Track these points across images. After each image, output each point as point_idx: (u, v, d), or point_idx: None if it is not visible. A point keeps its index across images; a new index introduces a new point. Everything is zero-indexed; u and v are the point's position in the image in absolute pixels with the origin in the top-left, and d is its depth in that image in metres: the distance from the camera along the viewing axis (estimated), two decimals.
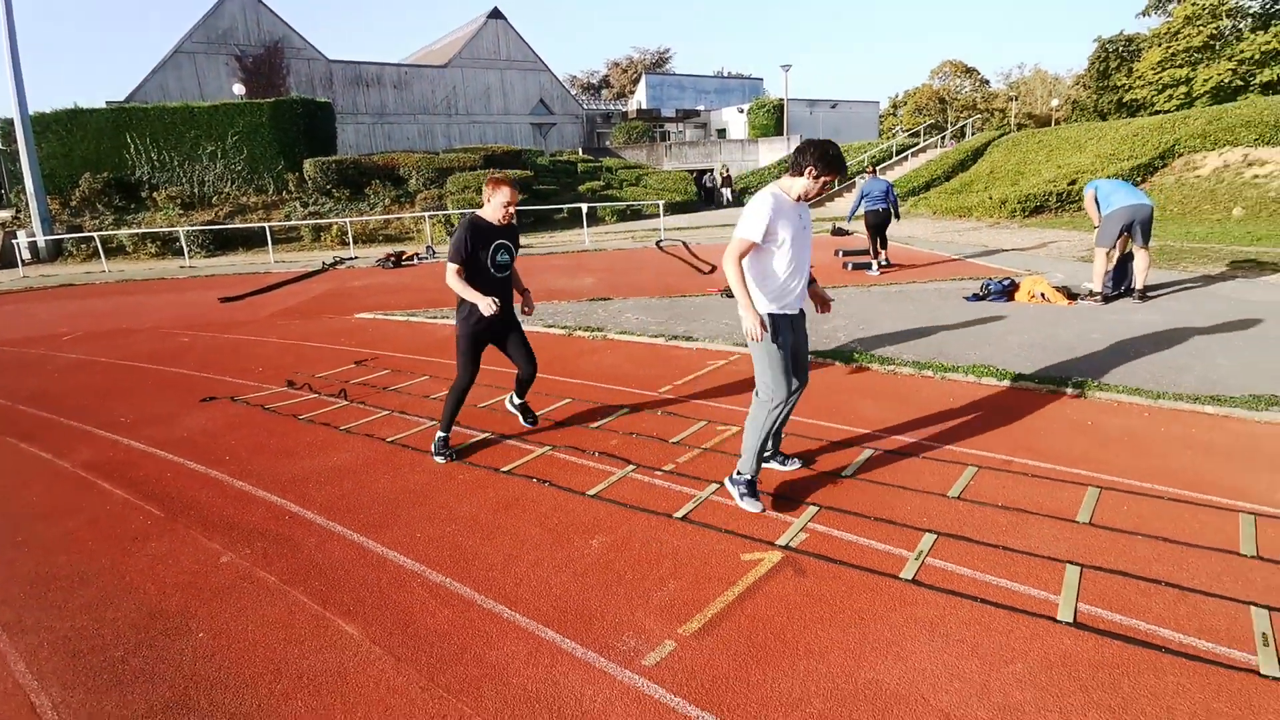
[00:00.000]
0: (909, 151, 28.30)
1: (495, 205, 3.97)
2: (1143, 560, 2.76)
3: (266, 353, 7.49)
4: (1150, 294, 7.48)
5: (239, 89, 27.66)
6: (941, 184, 23.64)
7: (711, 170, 35.34)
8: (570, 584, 2.84)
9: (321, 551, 3.22)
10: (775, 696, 2.17)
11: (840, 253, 12.71)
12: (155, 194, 23.34)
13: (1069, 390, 4.67)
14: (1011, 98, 63.58)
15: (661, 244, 17.08)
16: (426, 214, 20.56)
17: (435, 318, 8.80)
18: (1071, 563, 2.77)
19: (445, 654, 2.45)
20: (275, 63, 33.07)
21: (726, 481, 3.53)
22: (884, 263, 10.74)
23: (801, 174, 3.17)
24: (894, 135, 36.22)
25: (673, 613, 2.61)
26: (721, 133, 45.05)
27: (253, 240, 21.11)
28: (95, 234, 19.80)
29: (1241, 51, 34.85)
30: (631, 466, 3.95)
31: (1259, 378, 4.64)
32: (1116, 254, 7.44)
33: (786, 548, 3.02)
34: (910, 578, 2.75)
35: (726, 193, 31.63)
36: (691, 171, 33.74)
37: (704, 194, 31.51)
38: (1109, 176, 16.80)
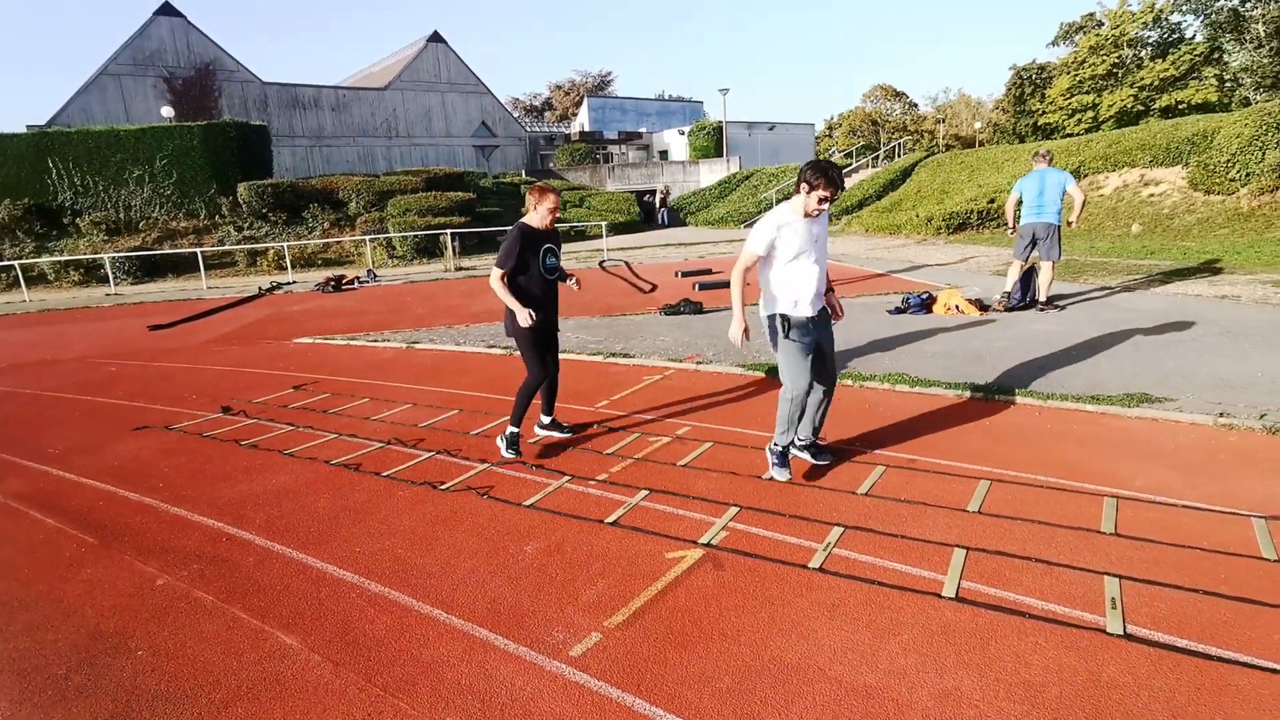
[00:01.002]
0: (842, 171, 29.43)
1: (542, 211, 4.28)
2: (1019, 541, 3.09)
3: (200, 380, 7.40)
4: (1056, 304, 8.10)
5: (167, 111, 26.95)
6: (873, 203, 24.68)
7: (654, 191, 36.01)
8: (504, 587, 3.01)
9: (260, 569, 3.30)
10: (690, 676, 2.38)
11: None
12: (79, 220, 22.47)
13: (972, 394, 5.08)
14: (939, 120, 66.68)
15: (605, 264, 17.35)
16: (367, 237, 20.39)
17: (376, 341, 8.82)
18: (959, 546, 3.08)
19: (382, 657, 2.58)
20: (206, 85, 32.32)
21: (768, 449, 3.92)
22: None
23: (799, 190, 3.49)
24: (830, 156, 37.63)
25: (600, 608, 2.81)
26: (664, 154, 45.95)
27: (183, 266, 20.54)
28: (15, 262, 18.95)
29: (1142, 79, 37.57)
30: (567, 477, 4.13)
31: (1135, 379, 5.14)
32: (1026, 265, 8.03)
33: (708, 545, 3.25)
34: (817, 567, 3.01)
35: (663, 213, 32.28)
36: (635, 192, 34.30)
37: (647, 214, 32.05)
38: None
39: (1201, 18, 36.21)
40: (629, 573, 3.06)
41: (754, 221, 10.28)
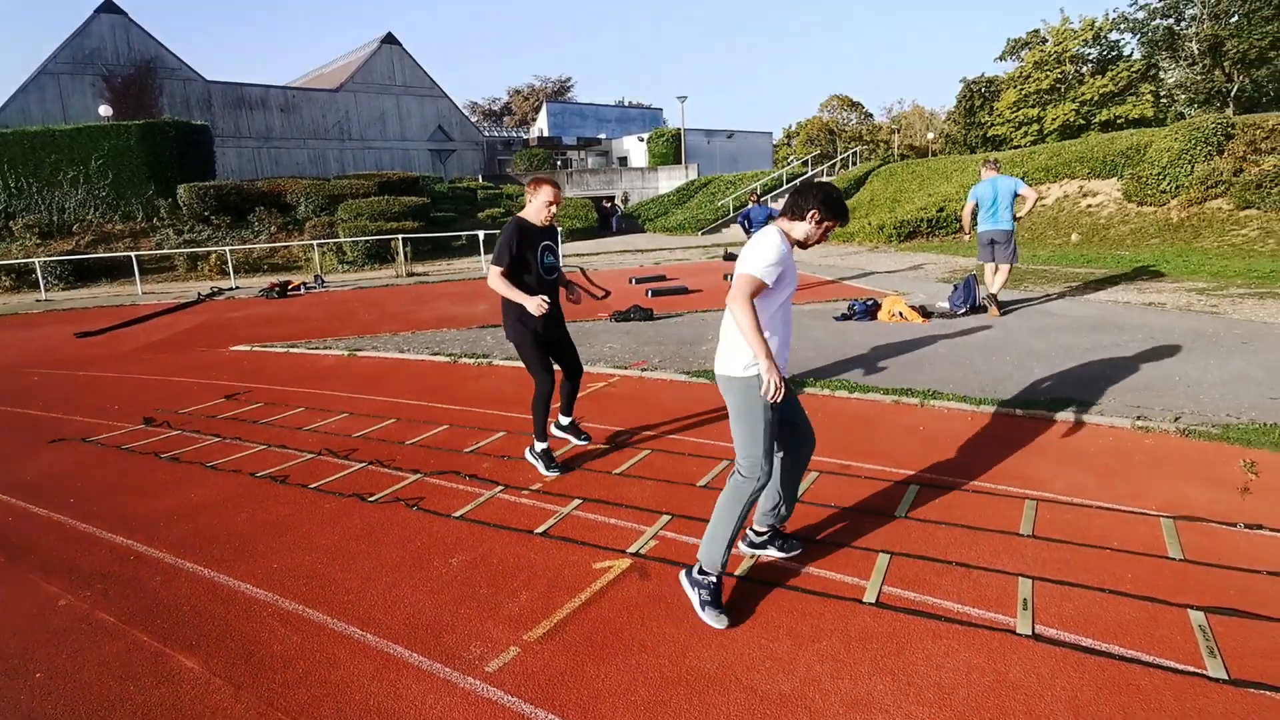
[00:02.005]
0: (798, 180, 29.86)
1: (538, 205, 3.93)
2: (942, 545, 3.13)
3: (125, 390, 7.09)
4: (1000, 305, 8.37)
5: (105, 111, 25.95)
6: None
7: (613, 197, 36.06)
8: (425, 601, 2.92)
9: (167, 589, 3.14)
10: (605, 689, 2.33)
11: (727, 276, 13.31)
12: (11, 223, 21.46)
13: (910, 400, 5.16)
14: (894, 130, 68.32)
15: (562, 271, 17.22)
16: (315, 242, 19.91)
17: (317, 348, 8.58)
18: (883, 551, 3.10)
19: (288, 679, 2.47)
20: (147, 83, 31.25)
21: (683, 578, 2.83)
22: None
23: (803, 218, 2.78)
24: (789, 164, 38.15)
25: (521, 621, 2.74)
26: (623, 161, 46.05)
27: (119, 271, 19.75)
28: None
29: (1082, 94, 39.06)
30: (500, 487, 4.06)
31: (1063, 384, 5.29)
32: (993, 268, 8.37)
33: (636, 555, 3.22)
34: (743, 574, 3.00)
35: (614, 220, 32.39)
36: (593, 199, 34.28)
37: (605, 220, 32.06)
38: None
39: (1138, 36, 37.91)
40: (554, 584, 3.01)
41: (715, 228, 10.30)
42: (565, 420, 4.48)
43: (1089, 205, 16.59)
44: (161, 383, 7.36)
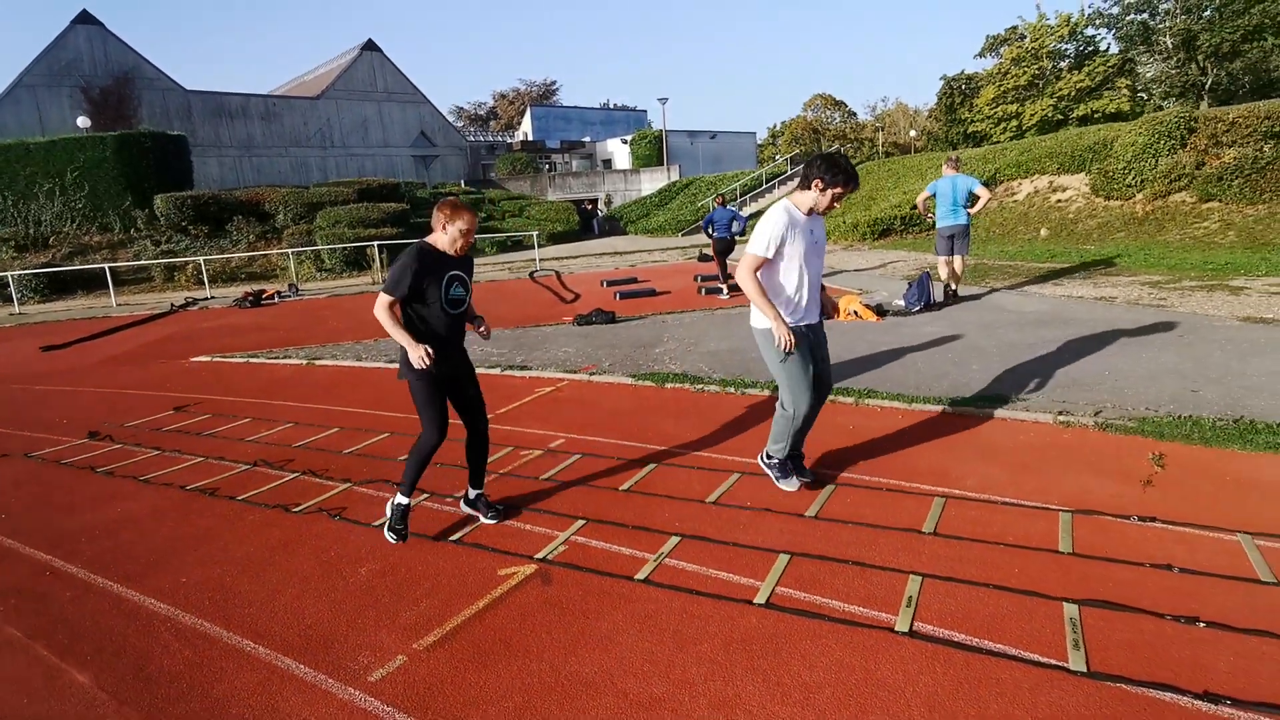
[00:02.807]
0: (778, 179, 29.99)
1: (453, 233, 3.37)
2: (843, 545, 3.16)
3: (78, 403, 7.07)
4: (958, 300, 8.77)
5: (83, 121, 25.80)
6: None
7: (595, 200, 36.12)
8: (325, 612, 2.94)
9: (75, 605, 3.15)
10: (479, 696, 2.36)
11: (698, 278, 13.36)
12: None
13: (845, 399, 5.20)
14: (878, 128, 68.56)
15: (535, 274, 17.28)
16: (291, 250, 19.87)
17: (277, 358, 8.58)
18: (784, 552, 3.13)
19: (172, 693, 2.49)
20: (125, 94, 31.08)
21: (760, 460, 3.73)
22: (734, 286, 11.39)
23: (809, 187, 3.19)
24: (774, 163, 38.15)
25: (414, 630, 2.76)
26: (607, 163, 46.09)
27: (95, 283, 19.64)
28: None
29: (1060, 89, 39.32)
30: (425, 495, 4.07)
31: (997, 379, 5.34)
32: (952, 261, 8.88)
33: (543, 560, 3.24)
34: (643, 578, 3.02)
35: (594, 223, 32.46)
36: (576, 201, 34.32)
37: (587, 223, 32.12)
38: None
39: (1113, 31, 38.18)
40: (456, 592, 3.03)
41: (696, 229, 10.63)
42: (473, 493, 3.75)
43: (1058, 200, 16.72)
44: (116, 395, 7.34)
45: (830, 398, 5.19)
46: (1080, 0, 40.21)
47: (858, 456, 4.18)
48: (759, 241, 3.26)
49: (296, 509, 4.02)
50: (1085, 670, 2.25)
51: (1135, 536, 3.04)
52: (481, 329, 3.68)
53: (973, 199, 8.64)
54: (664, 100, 36.63)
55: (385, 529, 3.56)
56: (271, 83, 56.68)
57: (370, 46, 39.59)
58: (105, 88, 30.94)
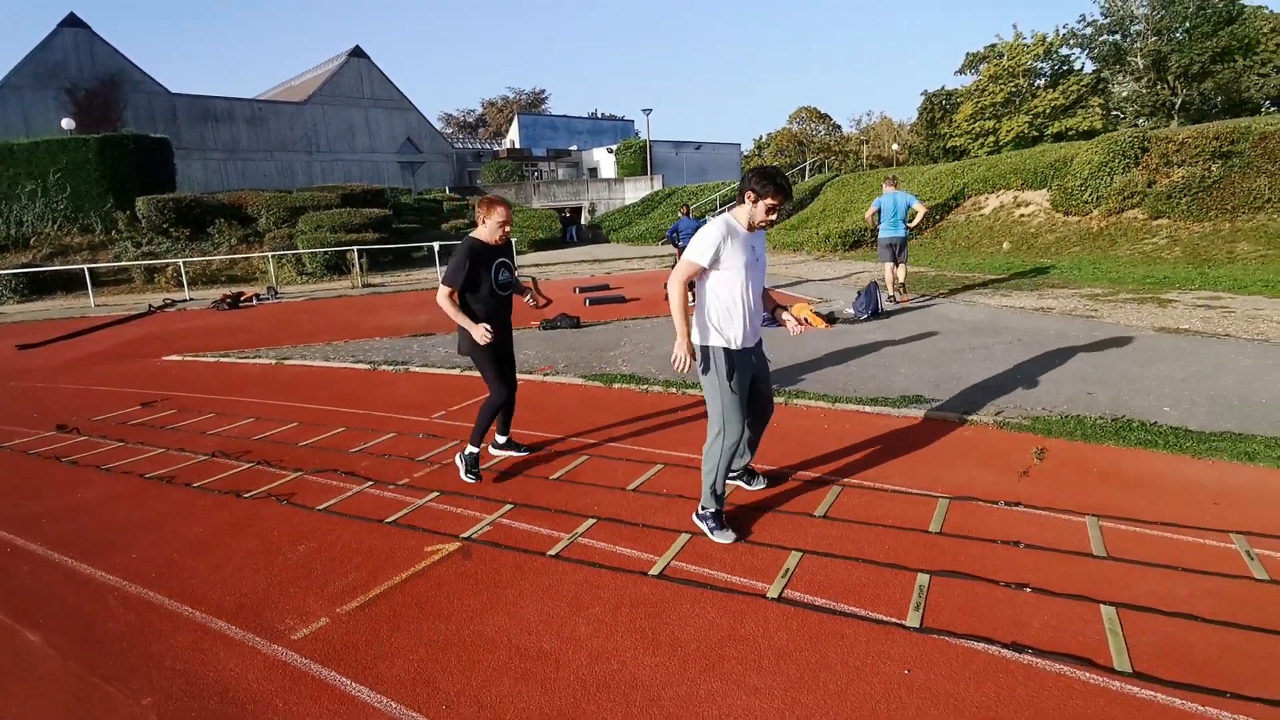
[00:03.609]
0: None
1: (491, 225, 4.03)
2: (741, 527, 3.47)
3: (50, 398, 7.29)
4: (904, 309, 9.28)
5: (68, 124, 25.88)
6: (783, 220, 25.65)
7: (579, 208, 36.47)
8: (261, 583, 3.21)
9: (32, 576, 3.41)
10: (390, 651, 2.65)
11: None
12: None
13: (775, 399, 5.52)
14: (863, 141, 69.50)
15: None
16: (271, 254, 20.04)
17: (248, 357, 8.82)
18: (686, 532, 3.45)
19: (113, 651, 2.76)
20: (111, 97, 31.17)
21: (694, 518, 3.43)
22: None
23: (742, 201, 3.15)
24: None
25: (339, 597, 3.05)
26: (593, 172, 46.49)
27: (75, 283, 19.72)
28: None
29: (1036, 107, 40.21)
30: (370, 483, 4.35)
31: (920, 382, 5.70)
32: (895, 268, 9.92)
33: (468, 539, 3.53)
34: (555, 554, 3.33)
35: (572, 230, 32.84)
36: (559, 209, 34.66)
37: (567, 231, 32.48)
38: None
39: (1087, 51, 39.13)
40: (384, 565, 3.31)
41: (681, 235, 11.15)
42: (502, 439, 4.62)
43: (1021, 215, 17.23)
44: (86, 392, 7.56)
45: None
46: (1056, 20, 41.46)
47: (775, 451, 4.49)
48: (696, 248, 3.11)
49: (247, 495, 4.29)
50: (918, 626, 2.58)
51: (997, 519, 3.38)
52: (529, 299, 4.50)
53: (911, 213, 9.75)
54: (648, 111, 37.13)
55: (462, 474, 4.23)
56: (259, 87, 56.74)
57: (357, 53, 39.87)
58: (91, 90, 31.03)
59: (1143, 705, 2.13)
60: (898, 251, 9.98)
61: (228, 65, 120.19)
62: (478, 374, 7.00)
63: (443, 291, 3.99)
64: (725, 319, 3.19)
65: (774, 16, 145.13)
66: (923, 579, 2.89)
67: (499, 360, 4.21)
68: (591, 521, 3.63)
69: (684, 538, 3.39)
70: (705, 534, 3.34)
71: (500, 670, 2.49)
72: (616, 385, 6.31)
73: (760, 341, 3.46)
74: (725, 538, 3.28)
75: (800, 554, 3.16)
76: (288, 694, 2.43)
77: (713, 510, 3.34)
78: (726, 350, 3.21)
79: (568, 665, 2.50)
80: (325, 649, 2.68)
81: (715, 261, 3.12)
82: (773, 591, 2.87)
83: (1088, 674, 2.27)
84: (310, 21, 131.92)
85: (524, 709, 2.29)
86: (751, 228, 3.17)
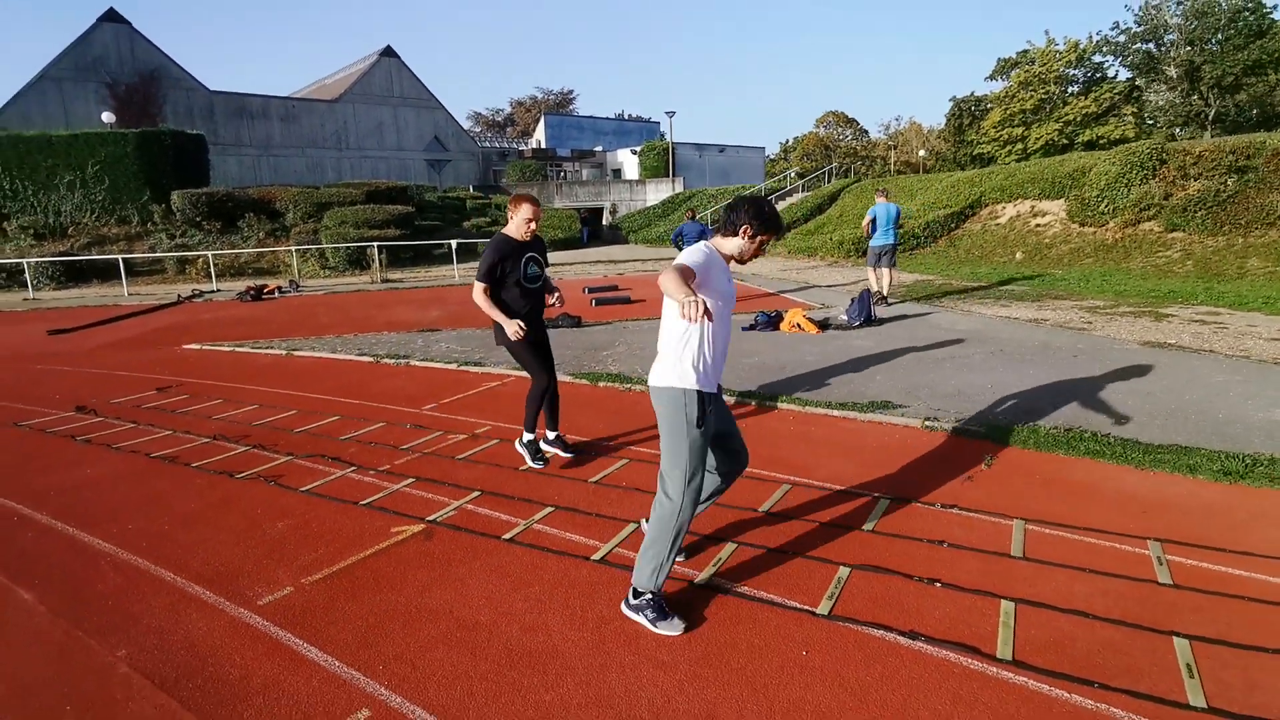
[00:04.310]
0: (774, 195, 30.52)
1: (519, 221, 4.21)
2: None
3: (73, 381, 7.71)
4: (905, 315, 9.42)
5: (108, 117, 26.84)
6: (801, 225, 25.68)
7: (602, 209, 36.77)
8: (238, 555, 3.49)
9: (34, 543, 3.72)
10: (342, 617, 2.89)
11: None
12: (5, 224, 22.29)
13: (749, 402, 5.71)
14: (891, 146, 68.94)
15: None
16: (295, 248, 20.61)
17: (260, 348, 9.20)
18: (634, 521, 3.65)
19: (99, 609, 3.04)
20: (150, 92, 32.20)
21: (623, 606, 2.82)
22: None
23: (735, 233, 2.78)
24: (786, 177, 38.58)
25: (307, 569, 3.31)
26: (617, 173, 46.80)
27: (110, 272, 20.48)
28: None
29: (1066, 114, 39.64)
30: (353, 468, 4.63)
31: (892, 389, 5.83)
32: (881, 274, 10.56)
33: (432, 522, 3.78)
34: (509, 538, 3.56)
35: (585, 231, 33.13)
36: (580, 210, 35.00)
37: (594, 232, 32.82)
38: (927, 221, 18.96)
39: (1119, 59, 38.48)
40: (351, 543, 3.57)
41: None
42: (551, 435, 4.62)
43: (1037, 225, 17.12)
44: (108, 376, 7.98)
45: (731, 399, 5.73)
46: (1089, 27, 40.99)
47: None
48: (691, 257, 2.69)
49: (239, 475, 4.58)
50: (827, 613, 2.76)
51: (931, 520, 3.54)
52: (555, 299, 4.51)
53: (901, 222, 10.74)
54: (671, 113, 37.31)
55: (529, 461, 4.46)
56: (295, 85, 58.04)
57: (388, 53, 40.63)
58: (131, 85, 32.08)
59: (1013, 689, 2.30)
60: (885, 258, 10.72)
61: (263, 64, 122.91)
62: (481, 370, 7.34)
63: (477, 288, 4.18)
64: (702, 355, 2.76)
65: (806, 20, 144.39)
66: (843, 571, 3.07)
67: (533, 350, 4.36)
68: (549, 510, 3.85)
69: (630, 527, 3.60)
70: (647, 624, 2.72)
71: (438, 638, 2.73)
72: (602, 384, 6.53)
73: (721, 390, 3.04)
74: (674, 629, 2.68)
75: (735, 545, 3.36)
76: (245, 650, 2.69)
77: (650, 595, 2.75)
78: (700, 394, 2.75)
79: (499, 636, 2.72)
80: (285, 614, 2.93)
81: (703, 276, 2.66)
82: (701, 578, 3.07)
83: (970, 660, 2.44)
84: (348, 21, 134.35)
85: (452, 672, 2.52)
86: (741, 260, 2.85)
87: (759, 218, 2.76)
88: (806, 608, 2.81)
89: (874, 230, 10.58)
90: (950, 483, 3.99)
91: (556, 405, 4.63)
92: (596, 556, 3.32)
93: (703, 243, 2.81)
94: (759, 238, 2.78)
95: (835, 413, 5.28)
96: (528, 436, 4.49)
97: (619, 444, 4.90)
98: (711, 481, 3.07)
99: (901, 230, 10.72)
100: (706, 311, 2.32)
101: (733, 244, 2.80)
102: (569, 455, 4.59)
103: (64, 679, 2.57)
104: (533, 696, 2.37)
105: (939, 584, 2.93)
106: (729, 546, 3.35)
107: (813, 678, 2.40)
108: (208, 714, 2.34)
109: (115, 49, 32.43)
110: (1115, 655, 2.44)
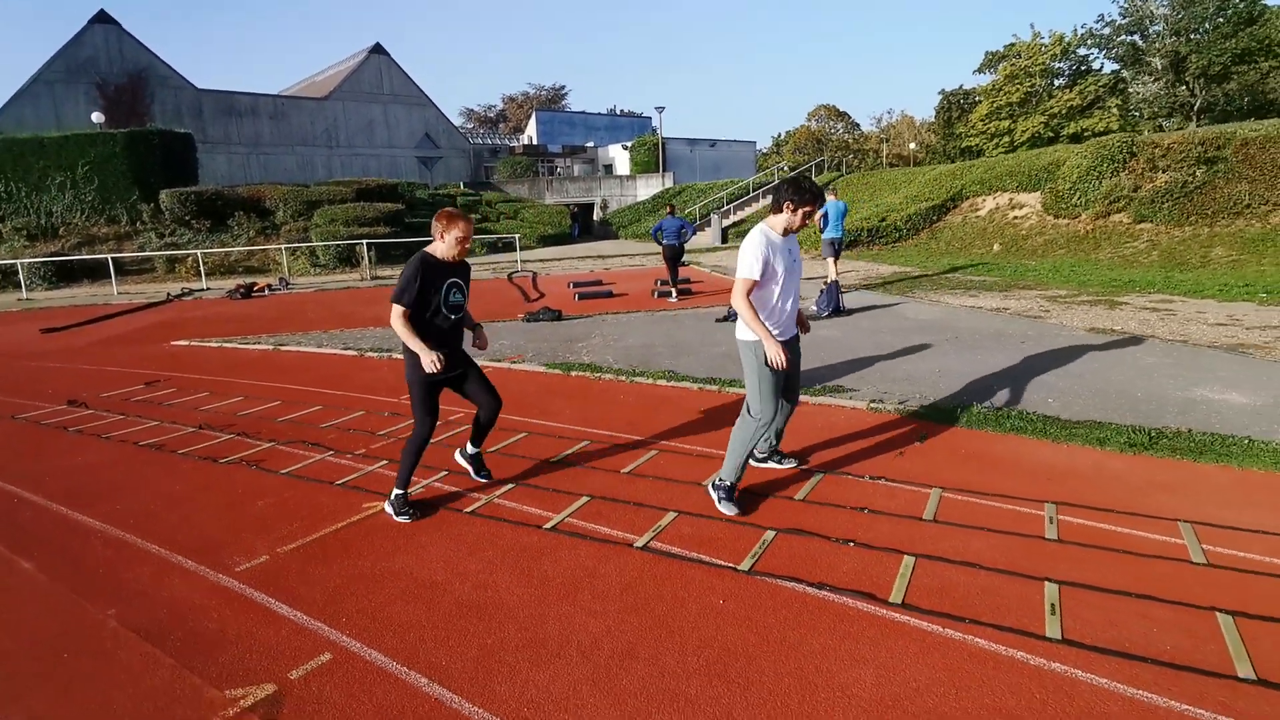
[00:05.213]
0: (762, 190, 30.80)
1: (450, 241, 3.67)
2: (636, 491, 3.98)
3: (65, 377, 7.98)
4: (874, 305, 9.69)
5: (98, 118, 26.95)
6: None
7: (593, 204, 36.99)
8: (219, 530, 3.78)
9: (33, 522, 4.01)
10: (311, 579, 3.19)
11: (657, 282, 14.19)
12: (0, 226, 22.46)
13: (711, 387, 6.02)
14: (883, 139, 69.21)
15: (513, 275, 18.14)
16: (285, 246, 20.82)
17: (248, 343, 9.47)
18: (585, 495, 3.95)
19: (91, 576, 3.33)
20: (139, 91, 32.27)
21: (707, 485, 3.75)
22: (683, 290, 12.23)
23: (781, 210, 3.47)
24: (773, 171, 38.81)
25: (282, 540, 3.60)
26: (608, 168, 46.98)
27: (100, 272, 20.67)
28: None
29: (1052, 107, 39.96)
30: (331, 452, 4.92)
31: (848, 373, 6.14)
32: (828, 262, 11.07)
33: None
34: (471, 511, 3.86)
35: (575, 228, 33.37)
36: (571, 205, 35.23)
37: (584, 227, 33.07)
38: (909, 214, 19.28)
39: (1104, 51, 38.80)
40: (325, 517, 3.86)
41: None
42: (471, 450, 4.24)
43: (1015, 217, 17.45)
44: (98, 372, 8.25)
45: (695, 387, 6.04)
46: (1085, 18, 41.28)
47: (689, 430, 4.99)
48: (746, 264, 3.45)
49: (223, 460, 4.87)
50: (748, 569, 3.07)
51: (859, 490, 3.85)
52: (476, 341, 4.10)
53: (846, 219, 11.81)
54: (661, 109, 37.54)
55: (393, 514, 3.79)
56: (283, 83, 58.04)
57: (378, 50, 40.72)
58: (120, 85, 32.14)
59: (895, 625, 2.61)
60: (837, 249, 11.43)
61: (253, 62, 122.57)
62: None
63: (395, 311, 3.61)
64: (768, 316, 3.57)
65: (797, 13, 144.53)
66: (769, 534, 3.38)
67: (435, 393, 3.85)
68: (510, 486, 4.16)
69: (583, 499, 3.90)
70: (714, 502, 3.66)
71: (397, 595, 3.03)
72: (574, 373, 6.83)
73: (797, 336, 3.86)
74: (730, 509, 3.58)
75: (676, 514, 3.66)
76: (222, 608, 2.99)
77: (729, 484, 3.65)
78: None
79: (451, 592, 3.03)
80: (260, 577, 3.23)
81: (765, 271, 3.46)
82: (640, 542, 3.38)
83: (865, 604, 2.76)
84: (336, 18, 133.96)
85: (407, 622, 2.82)
86: (787, 233, 3.53)
87: (796, 193, 3.42)
88: (730, 565, 3.12)
89: (824, 225, 11.28)
90: (883, 458, 4.30)
91: (491, 424, 4.17)
92: (549, 525, 3.62)
93: (757, 229, 3.53)
94: (800, 210, 3.43)
95: None
96: (397, 491, 3.83)
97: (582, 427, 5.20)
98: (782, 409, 3.90)
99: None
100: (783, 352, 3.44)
101: (781, 220, 3.51)
102: (482, 479, 4.21)
103: (62, 633, 2.87)
104: (476, 640, 2.68)
105: (853, 544, 3.25)
106: (670, 514, 3.65)
107: (725, 621, 2.71)
108: (186, 659, 2.64)
109: (105, 50, 32.50)
110: (991, 598, 2.76)
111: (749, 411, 3.67)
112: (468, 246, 3.77)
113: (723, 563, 3.15)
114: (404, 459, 3.84)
